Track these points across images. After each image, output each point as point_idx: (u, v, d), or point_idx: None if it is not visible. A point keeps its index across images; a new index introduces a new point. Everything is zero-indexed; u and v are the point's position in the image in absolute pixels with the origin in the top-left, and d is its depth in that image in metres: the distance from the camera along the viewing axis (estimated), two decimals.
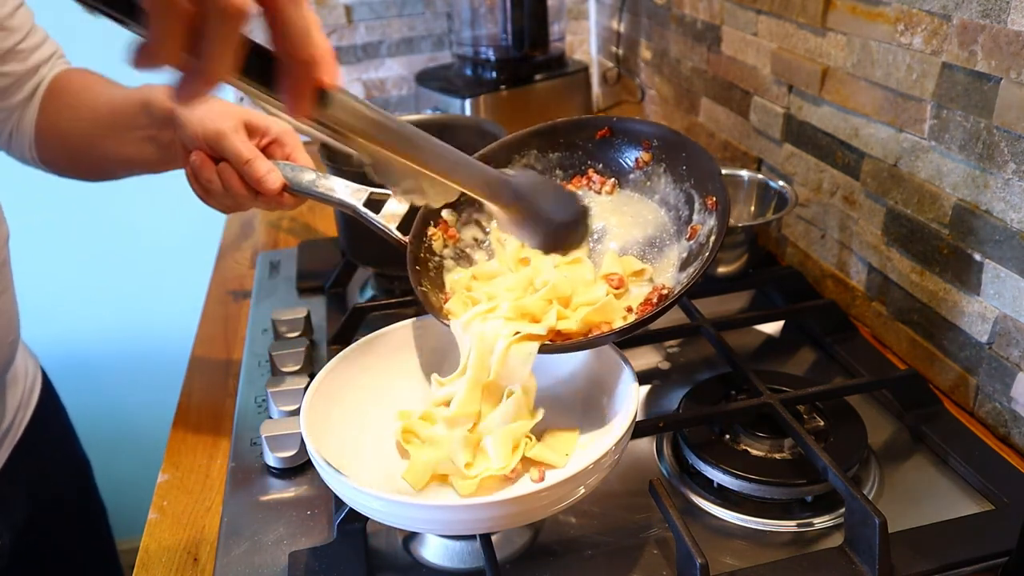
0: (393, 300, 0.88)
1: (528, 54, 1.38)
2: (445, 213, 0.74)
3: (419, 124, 1.04)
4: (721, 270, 0.91)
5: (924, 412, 0.73)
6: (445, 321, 0.65)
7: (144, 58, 0.38)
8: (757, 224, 0.88)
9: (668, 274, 0.68)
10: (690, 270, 0.65)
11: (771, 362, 0.85)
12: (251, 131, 0.72)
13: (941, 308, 0.78)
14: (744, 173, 0.98)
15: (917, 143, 0.78)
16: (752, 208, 0.98)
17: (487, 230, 0.75)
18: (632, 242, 0.71)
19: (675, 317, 0.90)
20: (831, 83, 0.89)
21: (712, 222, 0.67)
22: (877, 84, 0.81)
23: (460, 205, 0.74)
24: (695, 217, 0.69)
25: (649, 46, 1.42)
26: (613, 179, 0.75)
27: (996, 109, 0.67)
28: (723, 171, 0.99)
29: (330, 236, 1.15)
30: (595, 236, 0.72)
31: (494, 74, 1.37)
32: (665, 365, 0.85)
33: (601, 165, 0.76)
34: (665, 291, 0.66)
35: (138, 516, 0.73)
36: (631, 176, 0.74)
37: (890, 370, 0.80)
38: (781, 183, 0.94)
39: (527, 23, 1.35)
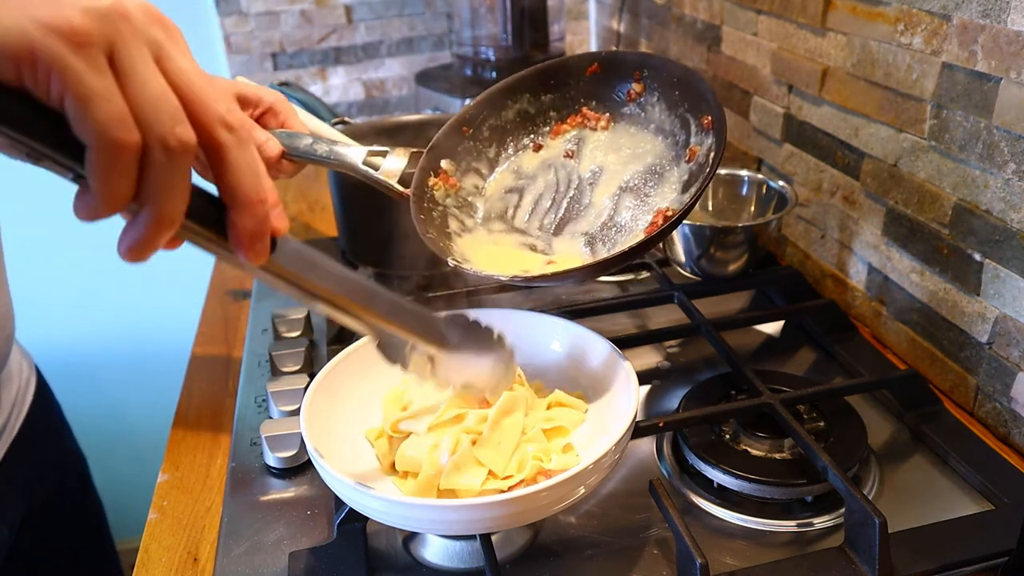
0: None
1: (528, 54, 1.38)
2: (444, 163, 0.74)
3: (421, 124, 1.04)
4: (721, 270, 0.91)
5: (924, 412, 0.73)
6: (453, 263, 0.66)
7: (93, 208, 0.36)
8: (757, 224, 0.88)
9: (671, 197, 0.69)
10: (692, 190, 0.66)
11: (771, 362, 0.85)
12: (244, 103, 0.72)
13: (941, 308, 0.78)
14: (744, 173, 0.98)
15: (917, 143, 0.78)
16: (752, 208, 0.98)
17: (487, 177, 0.76)
18: (630, 176, 0.72)
19: (675, 317, 0.90)
20: (831, 83, 0.89)
21: (710, 140, 0.67)
22: (877, 84, 0.81)
23: (459, 154, 0.75)
24: (692, 139, 0.70)
25: (649, 46, 1.42)
26: (607, 114, 0.75)
27: (996, 109, 0.67)
28: (723, 171, 0.99)
29: (330, 236, 1.15)
30: (591, 176, 0.73)
31: (494, 74, 1.37)
32: (665, 365, 0.85)
33: (594, 102, 0.76)
34: (670, 212, 0.66)
35: (138, 516, 0.73)
36: (625, 109, 0.75)
37: (890, 370, 0.80)
38: (781, 183, 0.94)
39: (527, 23, 1.35)
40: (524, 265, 0.69)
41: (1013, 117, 0.66)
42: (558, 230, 0.72)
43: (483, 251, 0.71)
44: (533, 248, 0.71)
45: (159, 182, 0.36)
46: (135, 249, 0.38)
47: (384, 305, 0.50)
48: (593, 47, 1.69)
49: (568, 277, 0.64)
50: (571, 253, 0.69)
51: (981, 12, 0.67)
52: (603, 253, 0.68)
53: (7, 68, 0.34)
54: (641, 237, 0.65)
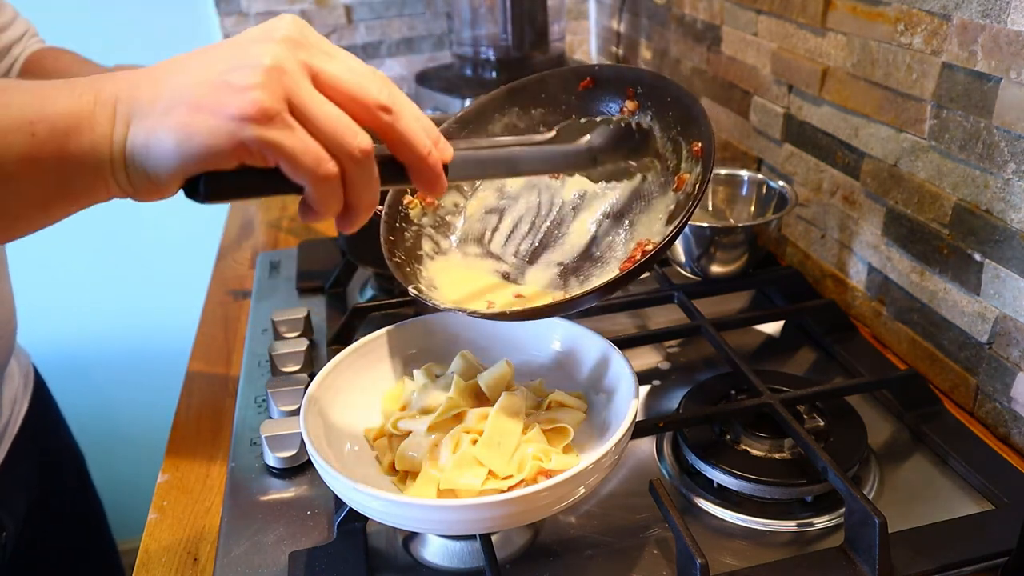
0: (393, 300, 0.88)
1: (528, 54, 1.38)
2: None
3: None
4: (721, 270, 0.91)
5: (924, 412, 0.73)
6: (415, 292, 0.64)
7: (316, 216, 0.46)
8: (757, 224, 0.88)
9: (655, 228, 0.66)
10: (676, 222, 0.63)
11: (771, 362, 0.85)
12: None
13: (941, 308, 0.78)
14: (744, 173, 0.98)
15: (917, 143, 0.78)
16: (752, 208, 0.98)
17: (468, 195, 0.74)
18: (615, 201, 0.70)
19: (675, 317, 0.90)
20: (831, 83, 0.89)
21: (698, 170, 0.65)
22: (877, 84, 0.81)
23: None
24: (683, 166, 0.67)
25: (649, 46, 1.42)
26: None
27: (996, 109, 0.67)
28: (723, 171, 0.99)
29: (330, 236, 1.15)
30: (574, 200, 0.71)
31: (494, 74, 1.37)
32: (665, 365, 0.85)
33: (586, 119, 0.73)
34: (649, 246, 0.64)
35: (138, 516, 0.73)
36: None
37: (890, 370, 0.80)
38: (781, 183, 0.94)
39: (527, 23, 1.35)
40: (491, 295, 0.67)
41: (1013, 117, 0.66)
42: (533, 258, 0.69)
43: (453, 277, 0.69)
44: (506, 276, 0.69)
45: (357, 184, 0.46)
46: (351, 228, 0.48)
47: (530, 166, 0.62)
48: (593, 47, 1.69)
49: (531, 316, 0.62)
50: (542, 285, 0.67)
51: (981, 12, 0.67)
52: (575, 287, 0.66)
53: (229, 161, 0.42)
54: (615, 273, 0.62)
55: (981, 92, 0.69)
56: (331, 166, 0.44)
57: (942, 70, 0.73)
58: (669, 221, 0.66)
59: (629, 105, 0.71)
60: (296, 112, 0.43)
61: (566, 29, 1.58)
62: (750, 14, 1.03)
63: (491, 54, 1.39)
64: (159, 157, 0.42)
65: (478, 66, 1.39)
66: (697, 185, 0.64)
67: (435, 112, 1.35)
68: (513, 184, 0.75)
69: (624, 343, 0.78)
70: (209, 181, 0.44)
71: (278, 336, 0.87)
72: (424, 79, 1.42)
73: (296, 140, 0.43)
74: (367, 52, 1.58)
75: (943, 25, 0.71)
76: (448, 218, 0.72)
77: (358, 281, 1.02)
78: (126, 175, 0.43)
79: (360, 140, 0.45)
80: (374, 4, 1.55)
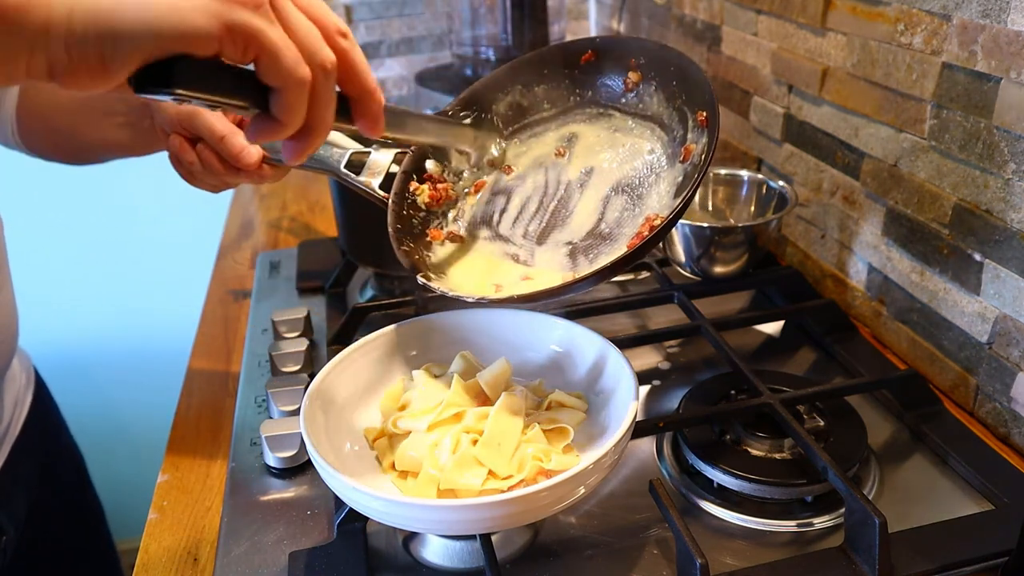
0: (393, 300, 0.88)
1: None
2: (429, 164, 0.71)
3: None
4: (721, 270, 0.91)
5: (924, 412, 0.73)
6: (423, 281, 0.64)
7: (273, 130, 0.45)
8: (757, 224, 0.88)
9: (663, 202, 0.65)
10: (684, 194, 0.62)
11: (771, 362, 0.85)
12: None
13: (941, 308, 0.78)
14: (744, 173, 0.98)
15: (917, 143, 0.78)
16: (752, 208, 0.98)
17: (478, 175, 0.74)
18: (623, 176, 0.69)
19: (675, 317, 0.90)
20: (831, 83, 0.89)
21: (704, 139, 0.64)
22: (877, 84, 0.81)
23: (444, 154, 0.72)
24: (689, 136, 0.66)
25: None
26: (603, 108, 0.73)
27: (996, 109, 0.67)
28: (723, 171, 0.99)
29: (330, 236, 1.15)
30: (581, 177, 0.70)
31: None
32: (665, 365, 0.85)
33: (590, 93, 0.72)
34: (658, 221, 0.63)
35: (138, 516, 0.73)
36: (623, 100, 0.71)
37: (890, 370, 0.80)
38: (781, 183, 0.94)
39: (527, 23, 1.35)
40: (499, 279, 0.66)
41: (1013, 117, 0.66)
42: (542, 238, 0.68)
43: (462, 261, 0.68)
44: (515, 258, 0.68)
45: (322, 98, 0.45)
46: (301, 154, 0.47)
47: (434, 131, 0.67)
48: None
49: (538, 298, 0.61)
50: (551, 265, 0.66)
51: (981, 12, 0.67)
52: (584, 266, 0.64)
53: (208, 46, 0.40)
54: (623, 251, 0.61)
55: (981, 92, 0.69)
56: (306, 70, 0.43)
57: (942, 70, 0.73)
58: (677, 194, 0.65)
59: (632, 76, 0.70)
60: (276, 12, 0.42)
61: (566, 29, 1.57)
62: (750, 14, 1.03)
63: (491, 54, 1.39)
64: (125, 29, 0.37)
65: (478, 66, 1.39)
66: (703, 155, 0.63)
67: (435, 112, 1.35)
68: (519, 164, 0.74)
69: (624, 343, 0.78)
70: (184, 67, 0.40)
71: (278, 336, 0.87)
72: (424, 79, 1.42)
73: (280, 35, 0.42)
74: (367, 52, 1.58)
75: (943, 25, 0.71)
76: (457, 202, 0.72)
77: (358, 281, 1.02)
78: (64, 46, 0.37)
79: (329, 53, 0.45)
80: (374, 4, 1.55)
